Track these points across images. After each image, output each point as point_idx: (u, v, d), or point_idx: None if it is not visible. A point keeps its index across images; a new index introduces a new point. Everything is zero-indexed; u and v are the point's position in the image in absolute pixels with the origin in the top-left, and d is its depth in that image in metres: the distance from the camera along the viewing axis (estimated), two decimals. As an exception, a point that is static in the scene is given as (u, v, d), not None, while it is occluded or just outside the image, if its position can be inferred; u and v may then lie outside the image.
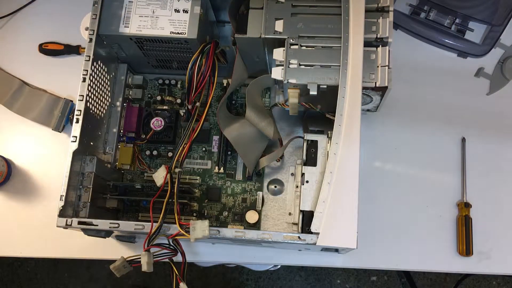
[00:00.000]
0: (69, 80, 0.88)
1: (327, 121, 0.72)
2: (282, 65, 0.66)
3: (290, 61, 0.66)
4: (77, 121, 0.68)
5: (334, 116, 0.64)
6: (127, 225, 0.64)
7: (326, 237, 0.60)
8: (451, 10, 0.85)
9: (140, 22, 0.72)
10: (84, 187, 0.70)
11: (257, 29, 0.69)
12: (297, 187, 0.77)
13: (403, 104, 0.85)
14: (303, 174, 0.67)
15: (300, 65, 0.66)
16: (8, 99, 0.88)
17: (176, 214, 0.64)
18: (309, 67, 0.66)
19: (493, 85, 0.85)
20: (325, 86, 0.65)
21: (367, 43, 0.65)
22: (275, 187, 0.79)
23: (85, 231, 0.66)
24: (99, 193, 0.72)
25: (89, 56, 0.70)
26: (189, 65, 0.72)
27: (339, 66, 0.64)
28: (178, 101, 0.82)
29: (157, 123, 0.79)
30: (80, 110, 0.69)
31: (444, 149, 0.83)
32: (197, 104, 0.73)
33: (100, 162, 0.72)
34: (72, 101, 0.86)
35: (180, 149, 0.69)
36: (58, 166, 0.84)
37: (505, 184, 0.81)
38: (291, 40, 0.67)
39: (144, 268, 0.62)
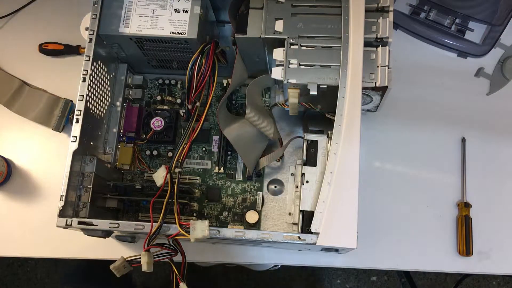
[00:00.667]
0: (69, 80, 0.88)
1: (327, 121, 0.72)
2: (282, 65, 0.66)
3: (290, 61, 0.66)
4: (77, 121, 0.68)
5: (334, 116, 0.64)
6: (127, 225, 0.64)
7: (326, 237, 0.60)
8: (451, 10, 0.85)
9: (140, 22, 0.72)
10: (84, 187, 0.69)
11: (257, 29, 0.69)
12: (297, 187, 0.77)
13: (403, 104, 0.85)
14: (303, 174, 0.67)
15: (300, 65, 0.66)
16: (8, 99, 0.88)
17: (176, 214, 0.64)
18: (309, 67, 0.66)
19: (493, 85, 0.85)
20: (325, 86, 0.65)
21: (367, 43, 0.65)
22: (275, 187, 0.79)
23: (85, 231, 0.66)
24: (99, 193, 0.72)
25: (89, 56, 0.70)
26: (189, 65, 0.72)
27: (339, 66, 0.64)
28: (178, 101, 0.82)
29: (157, 123, 0.79)
30: (80, 110, 0.69)
31: (444, 149, 0.83)
32: (197, 104, 0.73)
33: (100, 162, 0.72)
34: (72, 101, 0.86)
35: (180, 149, 0.69)
36: (58, 166, 0.85)
37: (505, 184, 0.81)
38: (291, 40, 0.67)
39: (144, 268, 0.62)
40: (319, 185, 0.65)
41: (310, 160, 0.68)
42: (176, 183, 0.67)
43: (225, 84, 0.82)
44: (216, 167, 0.79)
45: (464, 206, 0.79)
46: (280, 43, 0.68)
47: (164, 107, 0.82)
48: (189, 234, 0.62)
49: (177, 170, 0.68)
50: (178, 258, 0.66)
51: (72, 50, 0.90)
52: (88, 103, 0.71)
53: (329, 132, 0.68)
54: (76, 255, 0.81)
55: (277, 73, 0.67)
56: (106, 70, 0.76)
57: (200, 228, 0.62)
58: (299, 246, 0.67)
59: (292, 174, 0.79)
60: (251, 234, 0.62)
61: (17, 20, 0.94)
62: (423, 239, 0.79)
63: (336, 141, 0.62)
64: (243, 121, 0.75)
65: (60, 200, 0.65)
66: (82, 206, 0.69)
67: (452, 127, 0.84)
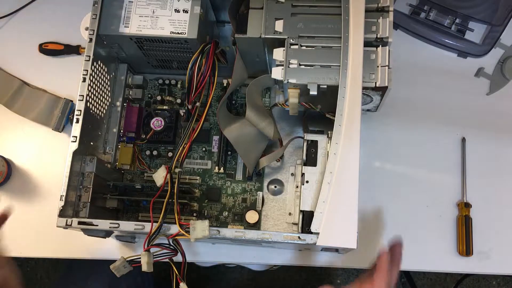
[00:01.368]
0: (69, 80, 0.88)
1: (327, 121, 0.72)
2: (282, 65, 0.66)
3: (290, 61, 0.66)
4: (77, 121, 0.68)
5: (334, 116, 0.64)
6: (127, 225, 0.64)
7: (326, 237, 0.60)
8: (451, 10, 0.85)
9: (140, 22, 0.72)
10: (84, 187, 0.69)
11: (257, 29, 0.69)
12: (297, 187, 0.77)
13: (403, 104, 0.85)
14: (303, 174, 0.67)
15: (300, 65, 0.66)
16: (8, 99, 0.88)
17: (176, 214, 0.64)
18: (309, 67, 0.66)
19: (493, 85, 0.85)
20: (325, 86, 0.65)
21: (367, 43, 0.65)
22: (275, 187, 0.79)
23: (85, 231, 0.66)
24: (99, 193, 0.72)
25: (89, 56, 0.70)
26: (189, 65, 0.71)
27: (339, 66, 0.64)
28: (178, 101, 0.82)
29: (157, 123, 0.79)
30: (80, 110, 0.69)
31: (444, 149, 0.83)
32: (197, 104, 0.73)
33: (100, 162, 0.72)
34: (72, 101, 0.86)
35: (180, 149, 0.69)
36: (58, 166, 0.85)
37: (505, 184, 0.81)
38: (291, 40, 0.67)
39: (144, 268, 0.62)
40: (319, 185, 0.65)
41: (310, 160, 0.68)
42: (176, 183, 0.67)
43: (225, 84, 0.82)
44: (216, 167, 0.79)
45: (464, 206, 0.79)
46: (280, 43, 0.68)
47: (164, 107, 0.82)
48: (189, 234, 0.62)
49: (177, 170, 0.68)
50: (178, 258, 0.66)
51: (72, 50, 0.90)
52: (88, 103, 0.71)
53: (329, 132, 0.68)
54: (76, 255, 0.81)
55: (277, 73, 0.67)
56: (106, 70, 0.76)
57: (200, 228, 0.62)
58: (299, 246, 0.68)
59: (292, 174, 0.79)
60: (251, 234, 0.62)
61: (17, 20, 0.94)
62: (423, 239, 0.79)
63: (336, 141, 0.62)
64: (243, 121, 0.75)
65: (60, 200, 0.65)
66: (82, 206, 0.69)
67: (452, 127, 0.84)
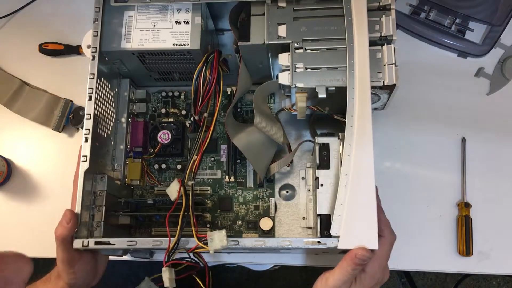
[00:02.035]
0: (69, 80, 0.88)
1: (335, 122, 0.71)
2: (289, 70, 0.66)
3: (296, 65, 0.66)
4: (86, 140, 0.68)
5: (343, 118, 0.64)
6: (145, 242, 0.63)
7: (347, 240, 0.59)
8: (451, 10, 0.85)
9: (141, 36, 0.72)
10: (96, 206, 0.69)
11: (261, 36, 0.68)
12: (309, 191, 0.76)
13: (403, 104, 0.84)
14: (317, 178, 0.67)
15: (306, 68, 0.66)
16: (8, 99, 0.88)
17: (193, 227, 0.64)
18: (316, 70, 0.66)
19: (493, 85, 0.85)
20: (334, 88, 0.65)
21: (371, 43, 0.65)
22: (287, 192, 0.79)
23: (102, 251, 0.65)
24: (111, 211, 0.71)
25: (93, 74, 0.69)
26: (194, 76, 0.71)
27: (346, 67, 0.64)
28: (183, 112, 0.81)
29: (164, 136, 0.79)
30: (89, 129, 0.68)
31: (444, 149, 0.83)
32: (205, 114, 0.73)
33: (110, 179, 0.71)
34: (72, 101, 0.86)
35: (192, 162, 0.69)
36: (58, 166, 0.85)
37: (505, 184, 0.81)
38: (296, 44, 0.67)
39: (167, 284, 0.61)
40: (334, 187, 0.65)
41: (323, 163, 0.68)
42: (191, 195, 0.66)
43: (228, 93, 0.82)
44: (226, 176, 0.79)
45: (464, 206, 0.79)
46: (284, 48, 0.68)
47: (170, 120, 0.82)
48: (207, 246, 0.62)
49: (190, 182, 0.67)
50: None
51: (72, 50, 0.90)
52: (96, 121, 0.70)
53: (340, 134, 0.67)
54: None
55: (284, 78, 0.66)
56: (109, 86, 0.75)
57: (218, 239, 0.62)
58: (318, 250, 0.67)
59: (302, 178, 0.78)
60: (271, 242, 0.62)
61: (17, 20, 0.94)
62: (423, 239, 0.79)
63: (349, 143, 0.62)
64: (251, 128, 0.75)
65: (74, 220, 0.64)
66: (96, 226, 0.68)
67: (452, 127, 0.84)
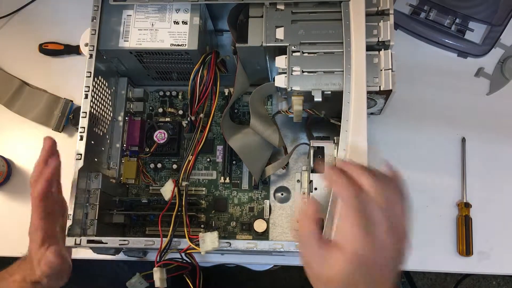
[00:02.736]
0: (69, 80, 0.88)
1: (331, 126, 0.71)
2: (285, 73, 0.66)
3: (293, 68, 0.66)
4: (81, 138, 0.68)
5: (339, 121, 0.63)
6: (137, 242, 0.63)
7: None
8: (451, 10, 0.85)
9: (139, 36, 0.72)
10: (90, 204, 0.69)
11: (258, 38, 0.68)
12: (303, 193, 0.76)
13: (403, 104, 0.84)
14: (311, 181, 0.67)
15: (303, 72, 0.66)
16: (8, 99, 0.88)
17: (185, 228, 0.64)
18: (312, 74, 0.66)
19: (493, 85, 0.85)
20: (330, 92, 0.64)
21: (369, 47, 0.65)
22: (282, 194, 0.79)
23: (94, 249, 0.65)
24: (105, 209, 0.71)
25: (90, 72, 0.70)
26: (191, 76, 0.71)
27: (343, 71, 0.64)
28: (180, 112, 0.82)
29: (160, 136, 0.79)
30: (84, 127, 0.68)
31: (444, 149, 0.83)
32: (201, 115, 0.73)
33: (105, 178, 0.72)
34: (72, 101, 0.86)
35: (186, 162, 0.69)
36: None
37: (505, 184, 0.81)
38: (293, 47, 0.67)
39: (158, 284, 0.62)
40: (327, 191, 0.64)
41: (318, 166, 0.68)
42: (184, 196, 0.66)
43: (226, 93, 0.82)
44: (222, 177, 0.79)
45: (464, 206, 0.78)
46: (282, 50, 0.68)
47: (167, 119, 0.82)
48: (199, 247, 0.62)
49: (184, 183, 0.67)
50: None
51: (72, 50, 0.90)
52: (92, 119, 0.70)
53: (335, 138, 0.67)
54: (75, 255, 0.80)
55: (280, 81, 0.66)
56: (106, 85, 0.75)
57: (210, 240, 0.62)
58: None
59: (298, 181, 0.78)
60: (263, 245, 0.62)
61: (17, 20, 0.94)
62: (423, 239, 0.78)
63: (344, 148, 0.62)
64: (247, 130, 0.75)
65: (68, 219, 0.64)
66: (90, 224, 0.68)
67: (452, 127, 0.84)
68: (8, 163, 0.84)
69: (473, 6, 0.84)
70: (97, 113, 0.72)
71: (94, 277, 0.75)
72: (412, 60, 0.87)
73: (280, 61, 0.67)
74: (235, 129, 0.76)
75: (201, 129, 0.73)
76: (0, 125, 0.88)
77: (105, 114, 0.76)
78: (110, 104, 0.78)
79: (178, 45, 0.71)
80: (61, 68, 0.90)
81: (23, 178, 0.85)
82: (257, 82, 0.76)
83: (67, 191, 0.67)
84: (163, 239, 0.62)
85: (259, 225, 0.76)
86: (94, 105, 0.71)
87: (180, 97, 0.84)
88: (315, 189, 0.66)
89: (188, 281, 0.64)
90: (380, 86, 0.65)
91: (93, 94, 0.70)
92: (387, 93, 0.66)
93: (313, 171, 0.67)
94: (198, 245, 0.62)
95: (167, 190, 0.67)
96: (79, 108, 0.85)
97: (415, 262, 0.78)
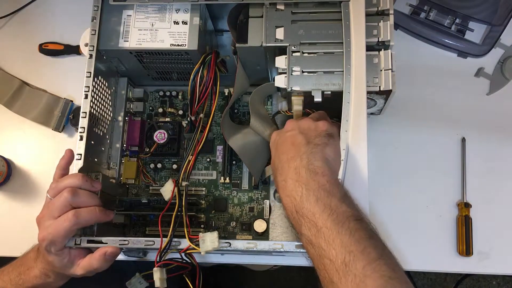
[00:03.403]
0: (69, 80, 0.88)
1: (332, 126, 0.71)
2: (285, 73, 0.66)
3: (293, 69, 0.66)
4: (81, 139, 0.68)
5: (339, 121, 0.63)
6: (137, 242, 0.63)
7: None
8: (451, 10, 0.85)
9: (139, 36, 0.72)
10: (91, 204, 0.69)
11: (258, 38, 0.68)
12: (304, 193, 0.76)
13: (403, 104, 0.84)
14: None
15: (303, 72, 0.66)
16: (8, 99, 0.88)
17: (185, 228, 0.64)
18: (312, 74, 0.66)
19: (493, 85, 0.85)
20: (329, 92, 0.65)
21: (369, 47, 0.65)
22: (282, 194, 0.78)
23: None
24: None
25: (90, 72, 0.70)
26: (191, 77, 0.71)
27: (343, 71, 0.64)
28: (180, 112, 0.82)
29: (160, 136, 0.79)
30: (84, 127, 0.68)
31: (444, 149, 0.83)
32: (201, 115, 0.73)
33: (105, 178, 0.72)
34: (72, 101, 0.86)
35: (186, 162, 0.69)
36: None
37: (505, 184, 0.81)
38: (293, 48, 0.67)
39: (157, 284, 0.61)
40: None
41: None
42: (184, 196, 0.66)
43: (226, 93, 0.82)
44: (222, 177, 0.79)
45: (464, 206, 0.78)
46: (282, 50, 0.68)
47: (167, 119, 0.82)
48: (199, 247, 0.62)
49: (184, 183, 0.67)
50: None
51: (72, 50, 0.90)
52: (92, 120, 0.70)
53: (335, 138, 0.67)
54: None
55: (280, 81, 0.66)
56: (106, 85, 0.75)
57: (210, 240, 0.62)
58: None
59: (298, 181, 0.78)
60: (263, 245, 0.62)
61: (17, 20, 0.94)
62: (423, 239, 0.78)
63: (343, 147, 0.62)
64: (247, 130, 0.75)
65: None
66: (90, 224, 0.68)
67: (452, 127, 0.83)
68: (8, 163, 0.84)
69: (473, 6, 0.84)
70: (97, 113, 0.72)
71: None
72: (412, 60, 0.86)
73: (280, 61, 0.67)
74: (235, 129, 0.76)
75: (201, 129, 0.73)
76: (0, 125, 0.88)
77: (105, 114, 0.76)
78: (110, 104, 0.78)
79: (178, 45, 0.71)
80: (61, 68, 0.90)
81: (23, 178, 0.85)
82: (257, 82, 0.76)
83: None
84: (163, 239, 0.62)
85: (259, 225, 0.76)
86: (94, 105, 0.71)
87: (180, 97, 0.84)
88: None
89: (188, 281, 0.64)
90: (380, 86, 0.65)
91: (93, 94, 0.70)
92: (387, 93, 0.66)
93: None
94: (198, 245, 0.62)
95: (167, 190, 0.67)
96: (79, 108, 0.85)
97: (415, 262, 0.78)
